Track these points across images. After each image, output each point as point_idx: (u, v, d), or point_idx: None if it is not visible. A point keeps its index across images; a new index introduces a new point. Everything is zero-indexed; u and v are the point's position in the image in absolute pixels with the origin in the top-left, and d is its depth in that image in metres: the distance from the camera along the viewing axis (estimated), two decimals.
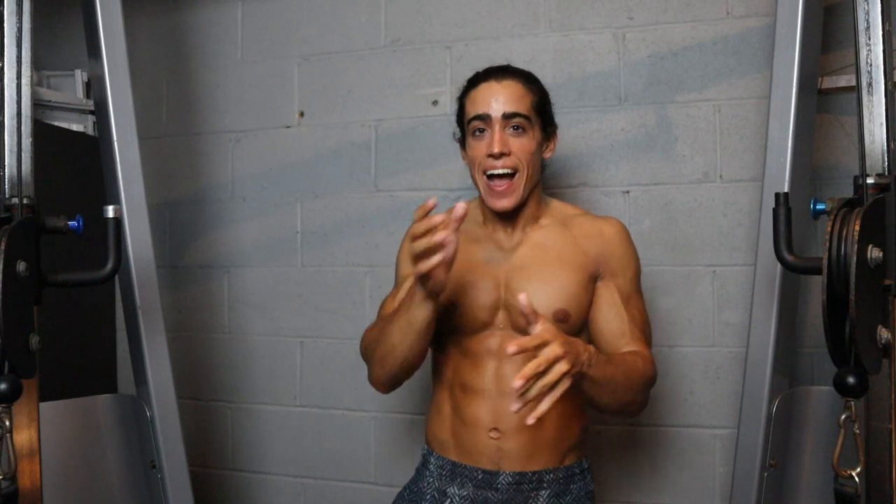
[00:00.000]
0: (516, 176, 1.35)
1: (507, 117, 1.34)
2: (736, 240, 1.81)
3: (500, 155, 1.33)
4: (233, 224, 2.19)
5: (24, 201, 1.18)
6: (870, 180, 1.04)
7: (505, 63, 1.45)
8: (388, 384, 1.39)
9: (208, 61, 2.20)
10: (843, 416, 1.01)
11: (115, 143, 1.66)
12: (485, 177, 1.36)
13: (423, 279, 1.20)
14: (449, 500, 1.39)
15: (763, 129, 1.57)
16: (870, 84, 1.06)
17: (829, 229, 0.98)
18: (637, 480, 1.87)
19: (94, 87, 1.76)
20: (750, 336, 1.54)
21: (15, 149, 1.20)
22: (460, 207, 1.15)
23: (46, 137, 1.86)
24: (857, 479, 1.00)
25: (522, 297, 1.13)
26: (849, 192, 1.07)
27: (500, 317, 1.38)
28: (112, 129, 1.67)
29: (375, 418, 2.04)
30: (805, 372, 1.77)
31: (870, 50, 1.06)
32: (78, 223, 1.21)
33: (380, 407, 2.02)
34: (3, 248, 1.04)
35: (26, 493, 1.21)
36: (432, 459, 1.45)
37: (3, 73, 1.20)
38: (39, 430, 1.27)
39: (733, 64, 1.81)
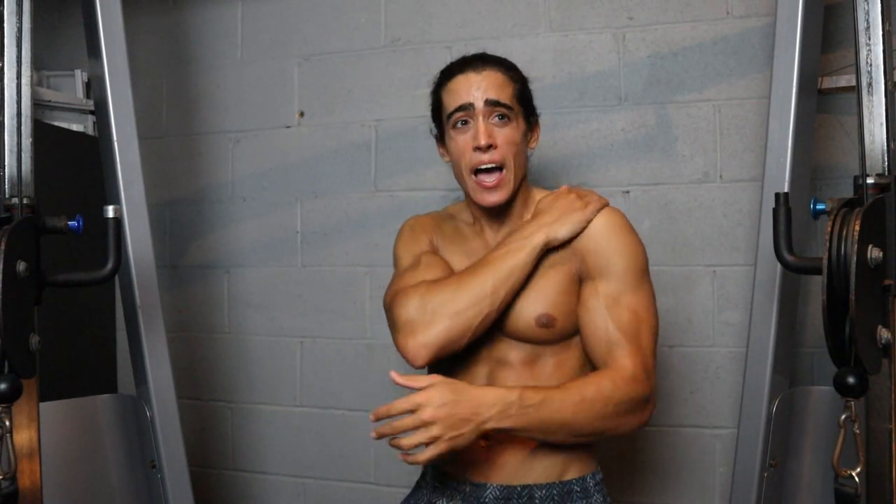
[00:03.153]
0: (504, 170, 1.27)
1: (489, 104, 1.26)
2: (736, 240, 1.81)
3: (488, 147, 1.25)
4: (233, 224, 2.19)
5: (24, 201, 1.18)
6: (870, 180, 1.04)
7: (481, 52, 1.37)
8: (442, 348, 1.23)
9: (208, 61, 2.20)
10: (843, 416, 1.01)
11: (115, 143, 1.66)
12: (472, 175, 1.28)
13: None
14: None
15: (763, 129, 1.57)
16: (870, 84, 1.06)
17: (829, 229, 0.98)
18: (637, 480, 1.87)
19: (94, 87, 1.76)
20: (750, 336, 1.54)
21: (15, 149, 1.20)
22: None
23: (46, 137, 1.86)
24: (857, 479, 1.00)
25: (393, 375, 1.15)
26: (849, 192, 1.07)
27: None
28: (112, 129, 1.67)
29: None
30: (805, 372, 1.77)
31: (870, 50, 1.06)
32: (78, 223, 1.20)
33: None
34: (3, 248, 1.03)
35: (26, 493, 1.21)
36: (429, 470, 1.40)
37: (3, 73, 1.20)
38: (39, 430, 1.27)
39: (733, 64, 1.81)
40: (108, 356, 2.22)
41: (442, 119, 1.33)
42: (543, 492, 1.26)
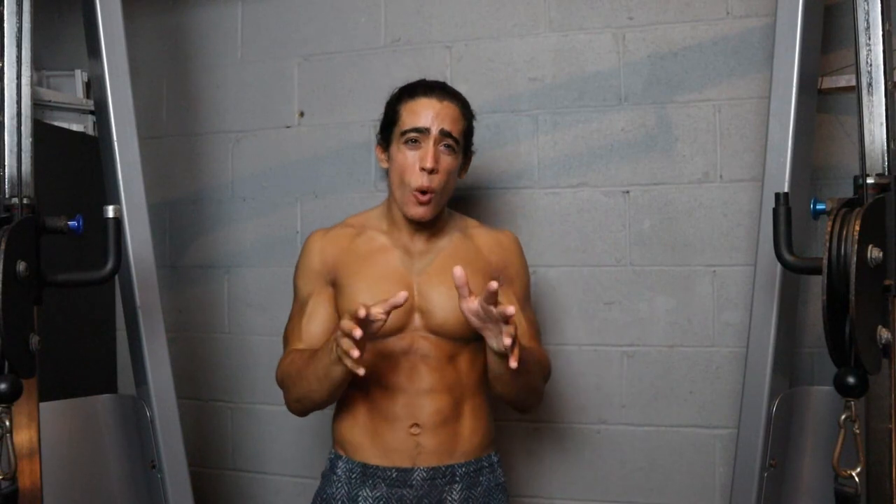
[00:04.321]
0: (437, 192, 1.42)
1: (443, 134, 1.42)
2: (736, 240, 1.81)
3: (431, 171, 1.40)
4: (233, 224, 2.19)
5: (24, 201, 1.18)
6: (870, 180, 1.04)
7: (442, 80, 1.53)
8: (304, 414, 1.49)
9: (208, 61, 2.20)
10: (843, 416, 1.01)
11: (115, 143, 1.66)
12: (413, 190, 1.41)
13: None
14: (362, 502, 1.43)
15: (763, 129, 1.58)
16: (870, 84, 1.06)
17: (829, 229, 0.98)
18: (637, 480, 1.87)
19: (94, 87, 1.76)
20: (750, 336, 1.54)
21: (15, 149, 1.20)
22: (402, 296, 1.24)
23: (46, 137, 1.86)
24: (857, 479, 1.00)
25: (457, 270, 1.24)
26: (849, 192, 1.07)
27: (415, 319, 1.44)
28: (112, 129, 1.67)
29: None
30: (805, 372, 1.77)
31: (870, 50, 1.06)
32: (78, 223, 1.21)
33: None
34: (3, 248, 1.04)
35: (26, 493, 1.21)
36: (340, 464, 1.47)
37: (3, 73, 1.20)
38: (39, 430, 1.27)
39: (733, 64, 1.81)
40: (108, 356, 2.22)
41: (394, 130, 1.46)
42: (463, 469, 1.46)
